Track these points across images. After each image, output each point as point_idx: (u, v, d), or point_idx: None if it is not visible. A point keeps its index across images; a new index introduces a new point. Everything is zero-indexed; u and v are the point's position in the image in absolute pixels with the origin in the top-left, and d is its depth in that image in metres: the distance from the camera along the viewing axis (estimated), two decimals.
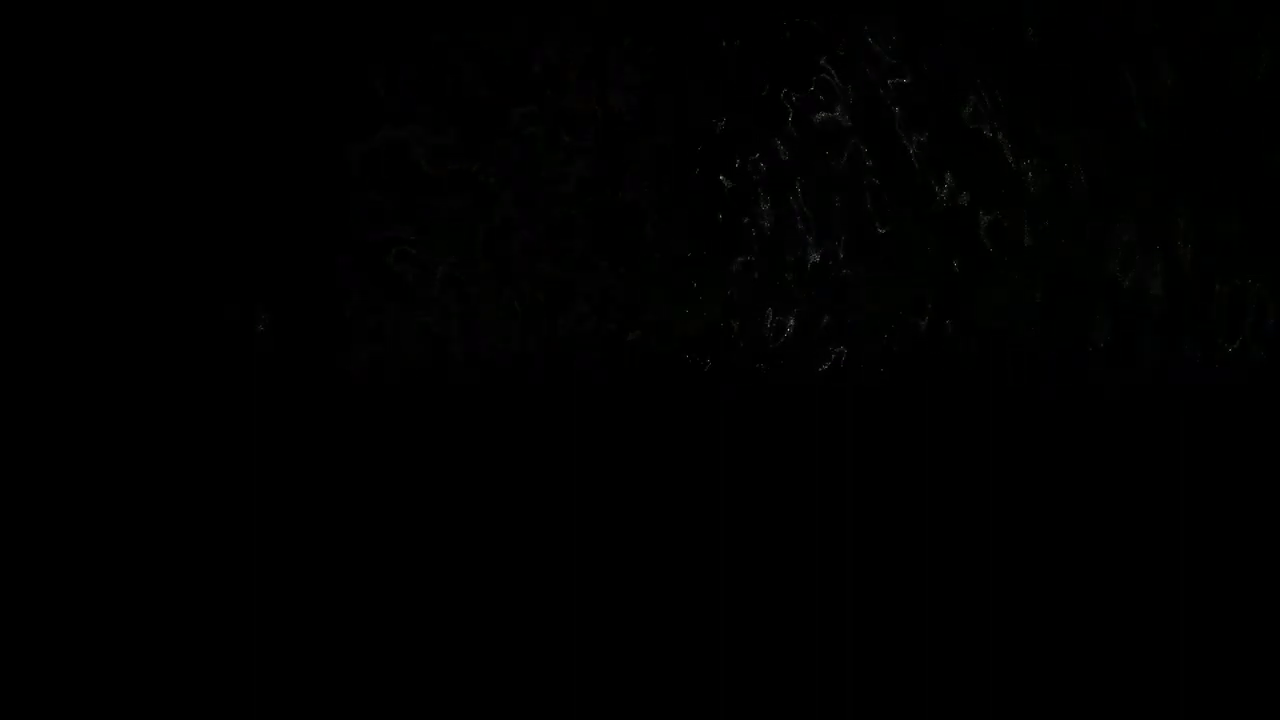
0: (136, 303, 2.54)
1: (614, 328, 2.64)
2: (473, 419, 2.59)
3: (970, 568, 2.60)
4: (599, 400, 2.62)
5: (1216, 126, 2.68)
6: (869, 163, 2.66)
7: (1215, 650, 2.55)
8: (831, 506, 2.62)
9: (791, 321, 2.66)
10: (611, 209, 2.64)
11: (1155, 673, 2.53)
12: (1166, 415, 2.66)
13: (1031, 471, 2.64)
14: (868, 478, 2.63)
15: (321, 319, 2.59)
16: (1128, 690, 2.54)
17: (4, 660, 2.39)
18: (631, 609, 2.56)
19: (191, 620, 2.47)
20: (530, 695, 2.48)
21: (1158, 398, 2.67)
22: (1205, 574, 2.59)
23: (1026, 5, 2.66)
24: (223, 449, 2.53)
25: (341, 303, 2.58)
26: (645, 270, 2.65)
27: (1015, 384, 2.67)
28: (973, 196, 2.68)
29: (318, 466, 2.55)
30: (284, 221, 2.57)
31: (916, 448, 2.64)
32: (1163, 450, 2.65)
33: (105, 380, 2.52)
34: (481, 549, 2.56)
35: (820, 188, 2.67)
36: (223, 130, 2.56)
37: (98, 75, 2.51)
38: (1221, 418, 2.66)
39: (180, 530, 2.50)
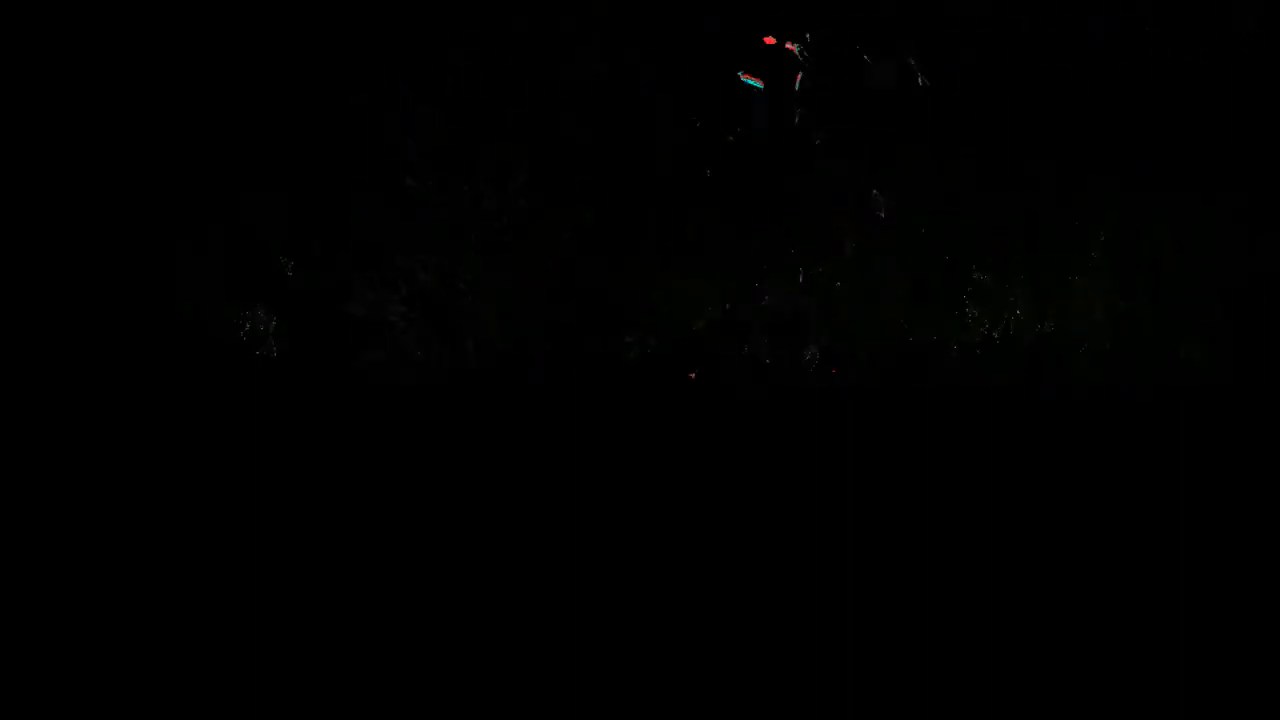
0: (140, 305, 2.54)
1: (613, 327, 2.64)
2: (472, 417, 2.59)
3: (967, 565, 2.60)
4: (598, 398, 2.62)
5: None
6: (867, 162, 2.67)
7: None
8: (829, 503, 2.62)
9: (791, 322, 2.67)
10: (611, 209, 2.64)
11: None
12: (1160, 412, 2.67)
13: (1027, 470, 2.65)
14: (865, 475, 2.63)
15: (324, 319, 2.59)
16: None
17: (4, 659, 2.39)
18: (630, 603, 2.56)
19: (194, 613, 2.47)
20: (537, 690, 2.48)
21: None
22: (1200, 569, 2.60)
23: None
24: (228, 449, 2.53)
25: (343, 303, 2.59)
26: (645, 270, 2.65)
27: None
28: (973, 195, 2.69)
29: (319, 464, 2.55)
30: (285, 223, 2.58)
31: (912, 445, 2.65)
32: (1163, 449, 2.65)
33: (110, 383, 2.52)
34: (481, 545, 2.56)
35: (820, 188, 2.67)
36: (224, 131, 2.56)
37: (97, 76, 2.51)
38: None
39: (186, 527, 2.50)
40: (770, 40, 2.48)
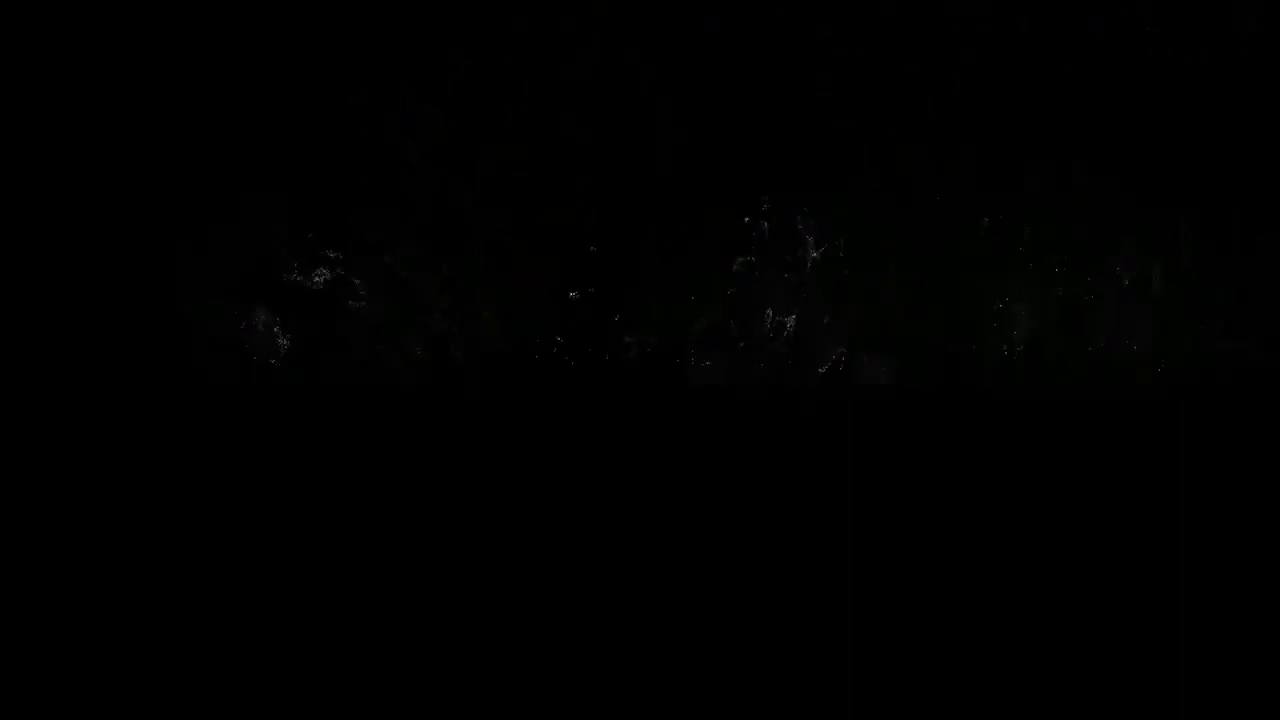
0: (140, 305, 2.54)
1: (613, 328, 2.64)
2: (472, 418, 2.59)
3: (968, 569, 2.60)
4: (598, 399, 2.62)
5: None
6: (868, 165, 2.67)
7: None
8: (828, 507, 2.62)
9: (791, 322, 2.67)
10: (610, 211, 2.64)
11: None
12: (1167, 415, 2.66)
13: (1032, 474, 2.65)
14: (866, 479, 2.63)
15: (324, 320, 2.59)
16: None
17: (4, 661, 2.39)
18: (626, 605, 2.56)
19: (192, 616, 2.47)
20: (540, 692, 2.48)
21: (1161, 397, 2.68)
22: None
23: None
24: (225, 451, 2.53)
25: (344, 304, 2.58)
26: (645, 270, 2.65)
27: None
28: (974, 197, 2.68)
29: (318, 466, 2.55)
30: (285, 223, 2.57)
31: (915, 448, 2.64)
32: (1169, 450, 2.65)
33: (110, 384, 2.52)
34: (478, 546, 2.56)
35: (819, 190, 2.67)
36: (224, 131, 2.56)
37: (100, 78, 2.51)
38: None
39: (185, 530, 2.50)
40: None
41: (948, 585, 2.59)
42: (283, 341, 2.58)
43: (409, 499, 2.56)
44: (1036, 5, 2.66)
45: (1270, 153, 2.72)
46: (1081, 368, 2.70)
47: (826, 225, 2.68)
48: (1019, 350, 2.70)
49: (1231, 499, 2.65)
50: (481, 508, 2.58)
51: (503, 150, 2.61)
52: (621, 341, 2.66)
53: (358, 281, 2.60)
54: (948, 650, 2.54)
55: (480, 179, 2.61)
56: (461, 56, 2.59)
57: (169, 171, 2.55)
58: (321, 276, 2.60)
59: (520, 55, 2.60)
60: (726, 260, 2.68)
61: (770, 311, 2.68)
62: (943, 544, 2.62)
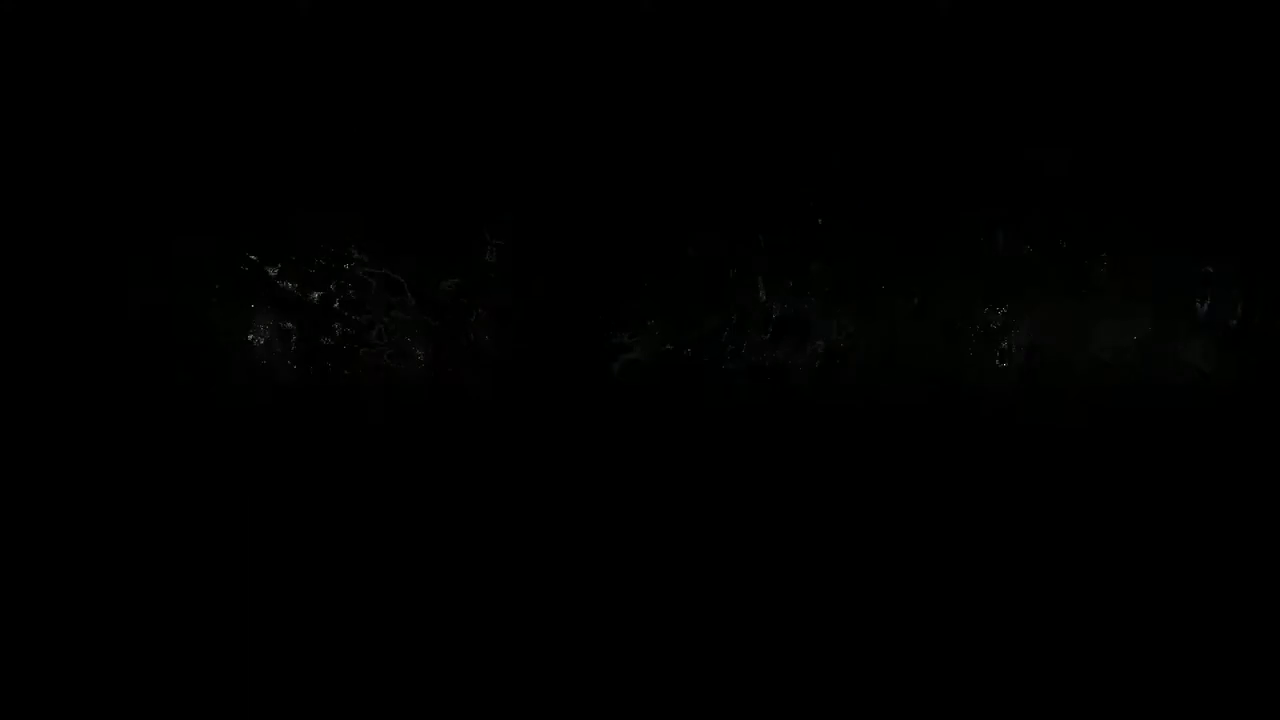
0: (139, 306, 2.54)
1: (610, 332, 2.65)
2: (470, 424, 2.59)
3: (970, 572, 2.61)
4: (596, 404, 2.62)
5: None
6: (867, 169, 2.67)
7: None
8: (827, 515, 2.62)
9: (794, 329, 2.67)
10: (612, 213, 2.64)
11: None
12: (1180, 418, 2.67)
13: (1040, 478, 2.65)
14: (864, 488, 2.63)
15: (325, 324, 2.59)
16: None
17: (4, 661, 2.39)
18: (625, 608, 2.56)
19: (188, 620, 2.47)
20: (538, 694, 2.48)
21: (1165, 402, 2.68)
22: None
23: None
24: (222, 455, 2.53)
25: (343, 306, 2.58)
26: (646, 274, 2.65)
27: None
28: (977, 204, 2.68)
29: (317, 469, 2.55)
30: (284, 224, 2.57)
31: (908, 451, 2.65)
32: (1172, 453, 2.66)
33: (109, 386, 2.52)
34: (475, 548, 2.56)
35: (818, 197, 2.67)
36: (224, 132, 2.56)
37: (104, 82, 2.50)
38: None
39: (183, 532, 2.51)
40: None
41: (946, 592, 2.60)
42: (281, 343, 2.58)
43: (407, 501, 2.57)
44: (1037, 5, 2.66)
45: (1269, 151, 2.72)
46: (1081, 375, 2.71)
47: (828, 230, 2.68)
48: (1018, 356, 2.70)
49: (1233, 506, 2.66)
50: (476, 511, 2.58)
51: (505, 156, 2.61)
52: (621, 345, 2.66)
53: (355, 282, 2.60)
54: (944, 658, 2.54)
55: (481, 180, 2.61)
56: (462, 63, 2.58)
57: (168, 172, 2.54)
58: (320, 278, 2.60)
59: (521, 67, 2.60)
60: (729, 264, 2.68)
61: (772, 317, 2.68)
62: (942, 550, 2.63)
